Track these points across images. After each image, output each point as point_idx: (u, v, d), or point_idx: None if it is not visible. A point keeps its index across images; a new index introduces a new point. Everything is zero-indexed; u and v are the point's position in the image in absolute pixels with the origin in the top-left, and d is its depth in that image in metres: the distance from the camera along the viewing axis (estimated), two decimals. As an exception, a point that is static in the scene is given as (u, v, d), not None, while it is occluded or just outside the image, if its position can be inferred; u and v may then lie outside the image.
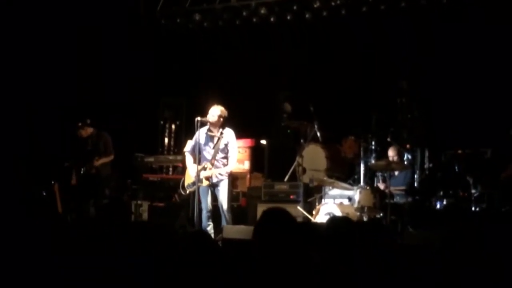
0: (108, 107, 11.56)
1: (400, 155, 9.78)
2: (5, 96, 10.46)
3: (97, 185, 10.33)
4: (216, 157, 9.02)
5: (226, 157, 9.06)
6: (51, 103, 11.15)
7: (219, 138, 9.04)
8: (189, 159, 9.22)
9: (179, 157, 11.78)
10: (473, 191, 9.12)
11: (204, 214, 9.00)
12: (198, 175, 8.85)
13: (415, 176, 10.00)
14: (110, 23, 11.68)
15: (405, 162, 9.90)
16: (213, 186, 9.03)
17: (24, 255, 3.94)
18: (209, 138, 9.09)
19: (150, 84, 12.70)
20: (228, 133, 9.08)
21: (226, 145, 9.04)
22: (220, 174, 8.96)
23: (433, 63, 10.86)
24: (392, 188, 9.26)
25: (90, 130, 10.46)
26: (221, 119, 9.02)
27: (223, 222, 8.94)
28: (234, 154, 9.09)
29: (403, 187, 9.67)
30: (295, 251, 3.47)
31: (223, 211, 8.96)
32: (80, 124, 10.40)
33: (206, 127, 9.09)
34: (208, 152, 9.06)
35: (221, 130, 9.06)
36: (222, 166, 9.01)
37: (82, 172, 10.34)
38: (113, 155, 10.50)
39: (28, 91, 10.81)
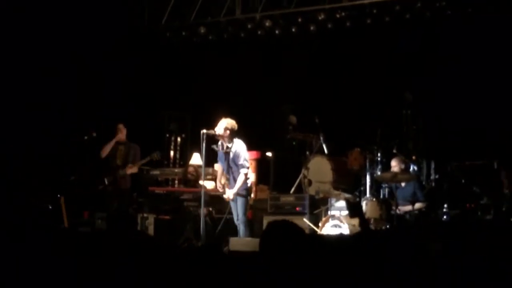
0: (112, 121, 11.54)
1: (402, 165, 9.70)
2: (5, 103, 10.45)
3: (113, 198, 10.25)
4: (232, 170, 9.03)
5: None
6: (53, 120, 11.12)
7: (228, 152, 9.04)
8: (219, 170, 9.43)
9: (177, 170, 11.80)
10: (479, 202, 9.10)
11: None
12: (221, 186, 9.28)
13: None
14: (113, 36, 11.70)
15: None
16: (232, 199, 9.10)
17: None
18: (222, 151, 9.10)
19: (155, 97, 12.70)
20: (235, 145, 9.06)
21: (236, 157, 9.02)
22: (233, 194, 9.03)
23: (438, 73, 10.87)
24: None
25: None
26: (228, 131, 8.97)
27: (240, 234, 8.97)
28: (241, 169, 9.05)
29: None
30: (302, 262, 3.42)
31: (239, 223, 9.01)
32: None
33: (219, 141, 9.10)
34: (224, 166, 9.14)
35: (231, 143, 9.05)
36: (237, 178, 9.02)
37: (106, 182, 10.22)
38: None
39: (28, 103, 10.82)
